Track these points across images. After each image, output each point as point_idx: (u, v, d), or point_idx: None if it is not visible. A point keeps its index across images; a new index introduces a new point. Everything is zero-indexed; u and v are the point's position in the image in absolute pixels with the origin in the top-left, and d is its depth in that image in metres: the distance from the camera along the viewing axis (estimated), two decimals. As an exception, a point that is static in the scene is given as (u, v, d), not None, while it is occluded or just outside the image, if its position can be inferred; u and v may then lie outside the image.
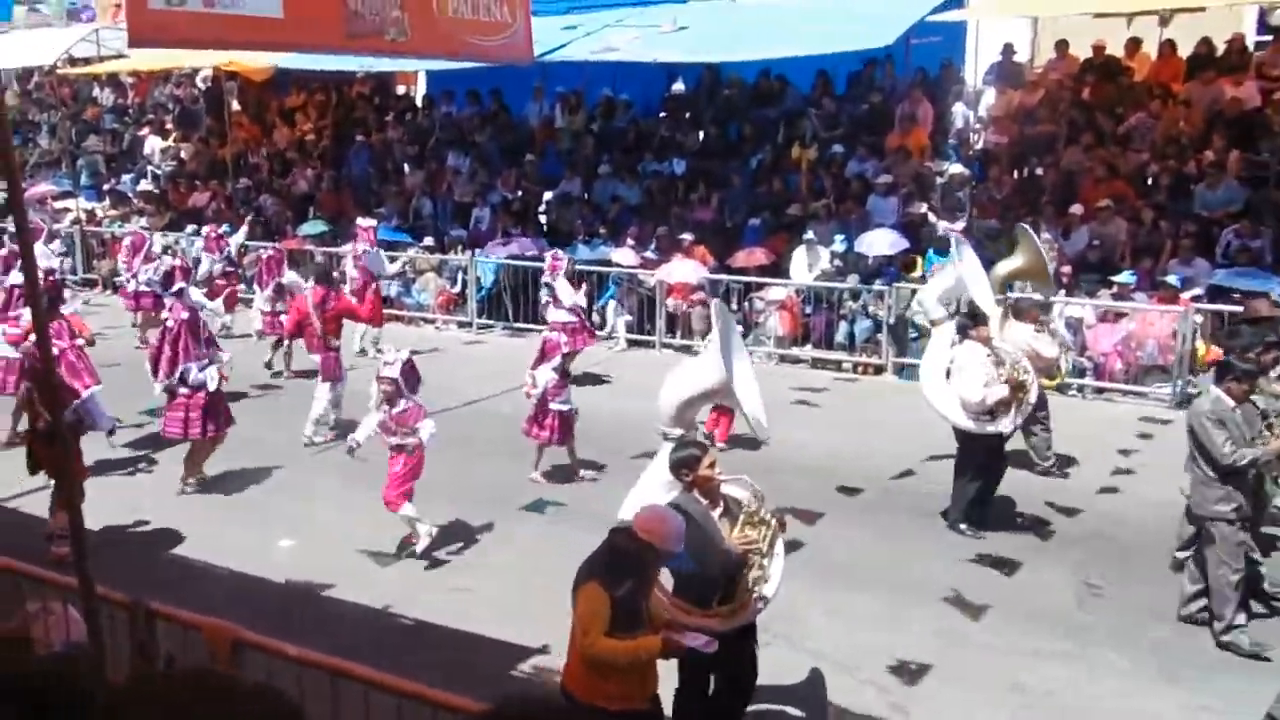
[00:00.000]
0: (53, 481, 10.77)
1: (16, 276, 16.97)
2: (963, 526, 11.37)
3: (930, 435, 13.87)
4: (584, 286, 17.91)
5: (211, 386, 12.55)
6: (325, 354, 14.74)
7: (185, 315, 12.71)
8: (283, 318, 17.07)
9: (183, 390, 12.44)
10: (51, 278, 17.45)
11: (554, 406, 12.90)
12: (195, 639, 5.66)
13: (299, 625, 8.81)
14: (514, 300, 21.05)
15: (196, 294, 14.73)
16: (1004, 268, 12.97)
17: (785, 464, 12.39)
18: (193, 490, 12.76)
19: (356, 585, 10.33)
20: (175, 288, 13.59)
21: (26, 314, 12.22)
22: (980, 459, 11.45)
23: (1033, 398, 11.57)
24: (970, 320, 11.50)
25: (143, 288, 19.55)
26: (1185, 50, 19.63)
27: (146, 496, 12.57)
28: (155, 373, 12.67)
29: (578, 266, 19.54)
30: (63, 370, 11.05)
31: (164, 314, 15.80)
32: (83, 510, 5.69)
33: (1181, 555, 10.13)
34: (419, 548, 10.86)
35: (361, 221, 20.13)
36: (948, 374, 11.53)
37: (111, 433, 12.49)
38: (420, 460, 10.83)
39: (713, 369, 7.75)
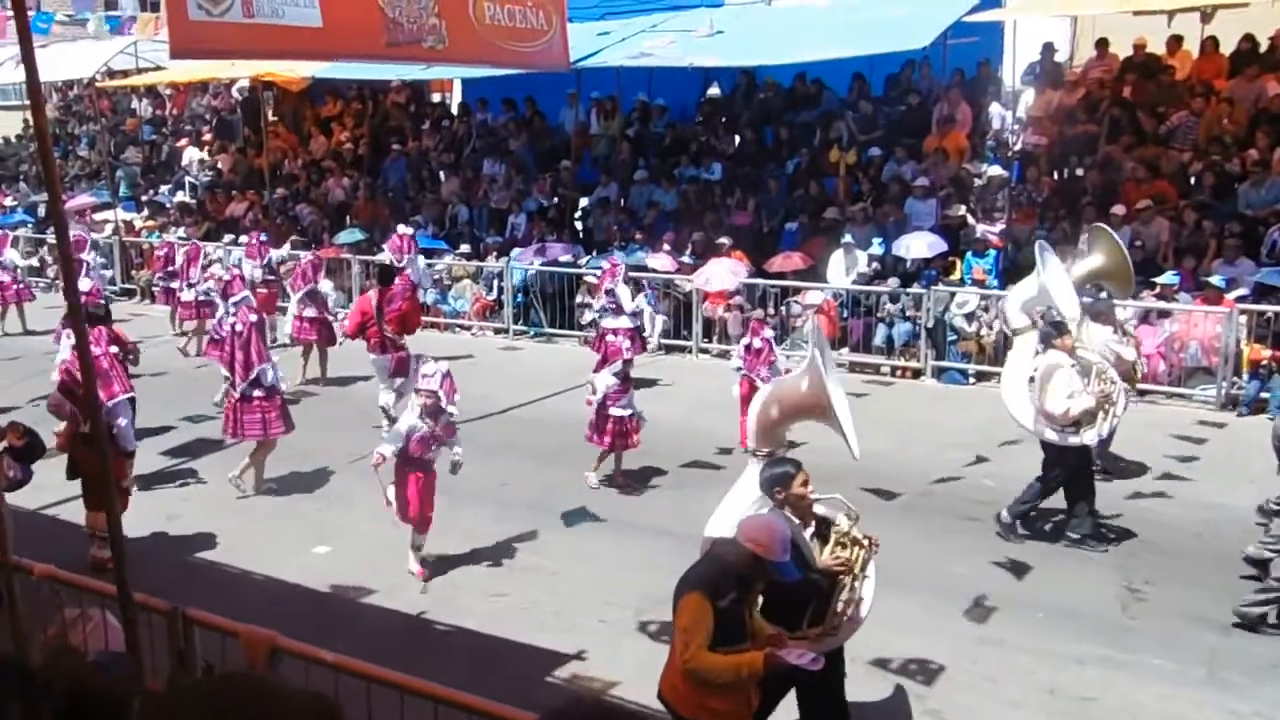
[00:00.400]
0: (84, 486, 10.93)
1: (85, 284, 17.12)
2: (1006, 530, 11.19)
3: (969, 439, 13.84)
4: (641, 294, 17.94)
5: (283, 387, 12.71)
6: (395, 354, 14.94)
7: (254, 318, 12.85)
8: (343, 321, 17.09)
9: (257, 392, 12.54)
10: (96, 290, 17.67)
11: (613, 412, 12.78)
12: (233, 645, 5.65)
13: (335, 631, 8.79)
14: (546, 307, 21.06)
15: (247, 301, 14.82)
16: (1082, 268, 12.61)
17: (823, 468, 12.25)
18: (251, 492, 12.86)
19: (392, 591, 10.33)
20: (238, 297, 13.68)
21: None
22: (1065, 471, 11.13)
23: (1120, 409, 11.24)
24: (1054, 330, 11.18)
25: (201, 298, 19.61)
26: (1228, 47, 19.40)
27: (184, 503, 12.61)
28: (233, 379, 12.78)
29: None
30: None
31: (210, 323, 15.96)
32: (121, 517, 5.70)
33: (1264, 554, 9.96)
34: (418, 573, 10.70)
35: (402, 229, 20.21)
36: (1030, 384, 11.25)
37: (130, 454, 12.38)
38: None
39: (812, 386, 7.57)
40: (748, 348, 14.24)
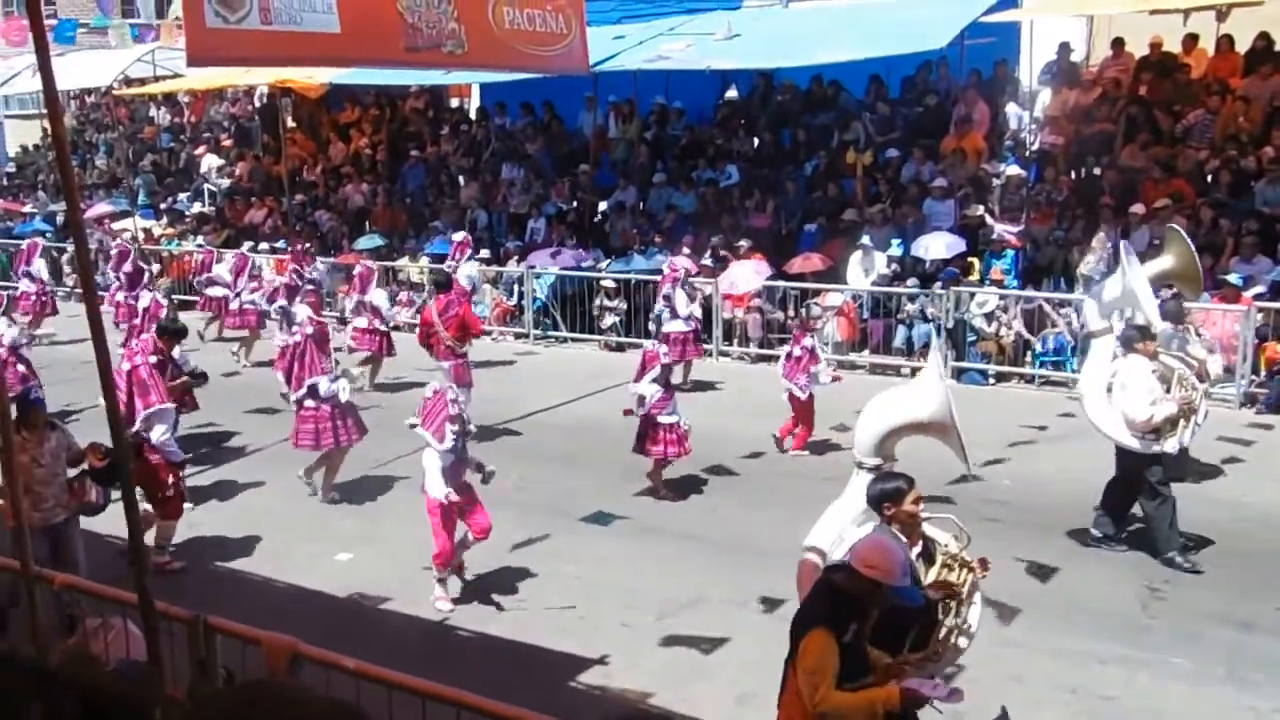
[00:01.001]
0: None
1: (146, 297, 17.10)
2: (1178, 559, 10.51)
3: (988, 439, 13.82)
4: (699, 297, 17.94)
5: (343, 398, 12.56)
6: (454, 360, 14.75)
7: (310, 330, 12.72)
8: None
9: (309, 403, 12.44)
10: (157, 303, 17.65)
11: (662, 420, 12.44)
12: (254, 653, 5.67)
13: (357, 638, 8.81)
14: (565, 311, 21.06)
15: (302, 312, 14.79)
16: (1152, 269, 12.21)
17: (844, 470, 12.29)
18: (317, 494, 12.88)
19: (413, 598, 10.32)
20: (278, 304, 13.65)
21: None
22: (1148, 479, 10.67)
23: (1201, 416, 10.89)
24: (1137, 333, 10.76)
25: (246, 306, 19.56)
26: (1243, 45, 19.42)
27: (205, 512, 12.63)
28: (289, 385, 12.92)
29: (634, 276, 19.57)
30: (133, 386, 11.15)
31: (281, 336, 15.90)
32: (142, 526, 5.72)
33: None
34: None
35: (457, 235, 20.01)
36: (1109, 390, 10.81)
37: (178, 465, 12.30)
38: None
39: (931, 398, 7.30)
40: (788, 356, 14.18)
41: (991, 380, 17.34)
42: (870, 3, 21.92)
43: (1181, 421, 10.65)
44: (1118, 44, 20.74)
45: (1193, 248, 12.55)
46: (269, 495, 12.96)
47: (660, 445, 12.50)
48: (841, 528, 6.87)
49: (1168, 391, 10.68)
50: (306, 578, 10.72)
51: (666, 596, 10.15)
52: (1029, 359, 17.27)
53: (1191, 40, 19.93)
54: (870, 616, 5.91)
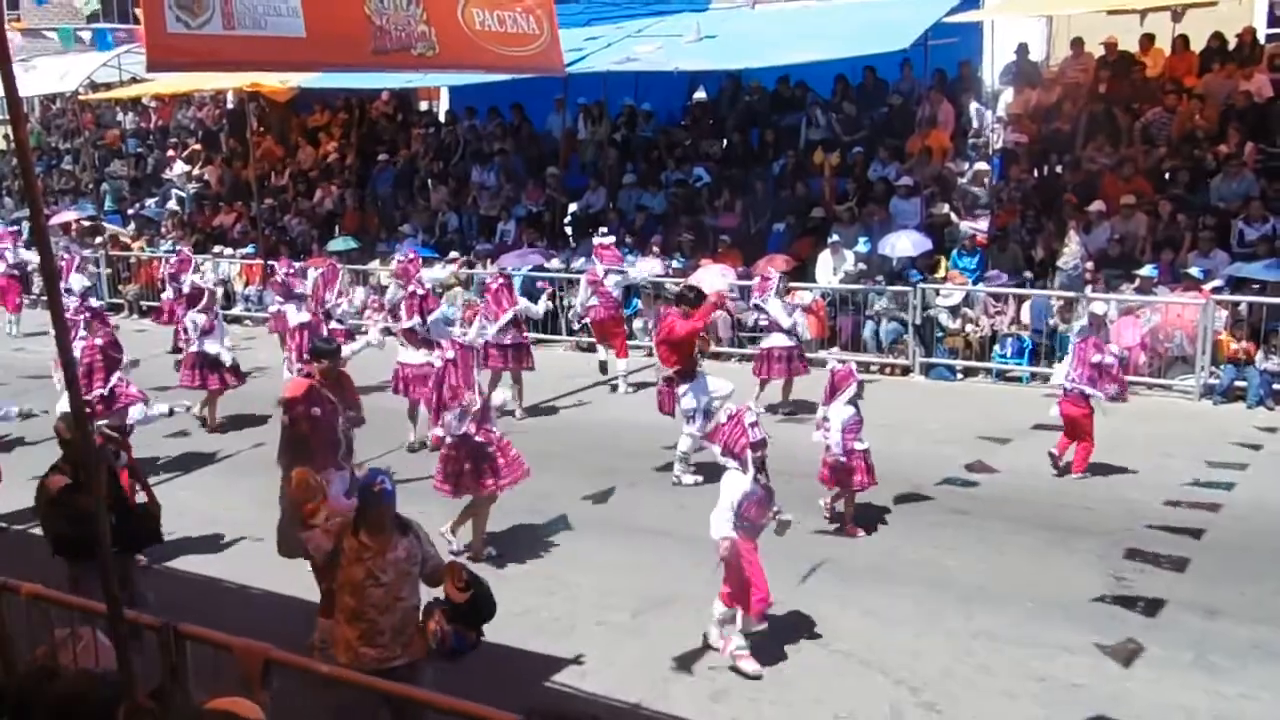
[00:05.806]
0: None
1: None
2: None
3: (958, 434, 13.94)
4: (796, 305, 16.57)
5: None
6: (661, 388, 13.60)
7: (452, 355, 11.07)
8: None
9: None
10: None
11: (855, 446, 11.30)
12: (226, 659, 5.66)
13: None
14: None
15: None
16: None
17: (817, 466, 12.36)
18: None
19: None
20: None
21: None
22: None
23: None
24: None
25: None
26: (1198, 45, 19.67)
27: (178, 519, 12.52)
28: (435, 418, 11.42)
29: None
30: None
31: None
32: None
33: None
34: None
35: (600, 240, 18.32)
36: None
37: None
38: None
39: None
40: (1095, 363, 12.60)
41: (959, 375, 17.42)
42: (836, 4, 22.04)
43: None
44: (1077, 44, 20.86)
45: None
46: (242, 501, 12.86)
47: (861, 475, 11.36)
48: None
49: None
50: (279, 585, 10.67)
51: (641, 595, 10.18)
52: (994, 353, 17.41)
53: (1148, 40, 20.10)
54: None
